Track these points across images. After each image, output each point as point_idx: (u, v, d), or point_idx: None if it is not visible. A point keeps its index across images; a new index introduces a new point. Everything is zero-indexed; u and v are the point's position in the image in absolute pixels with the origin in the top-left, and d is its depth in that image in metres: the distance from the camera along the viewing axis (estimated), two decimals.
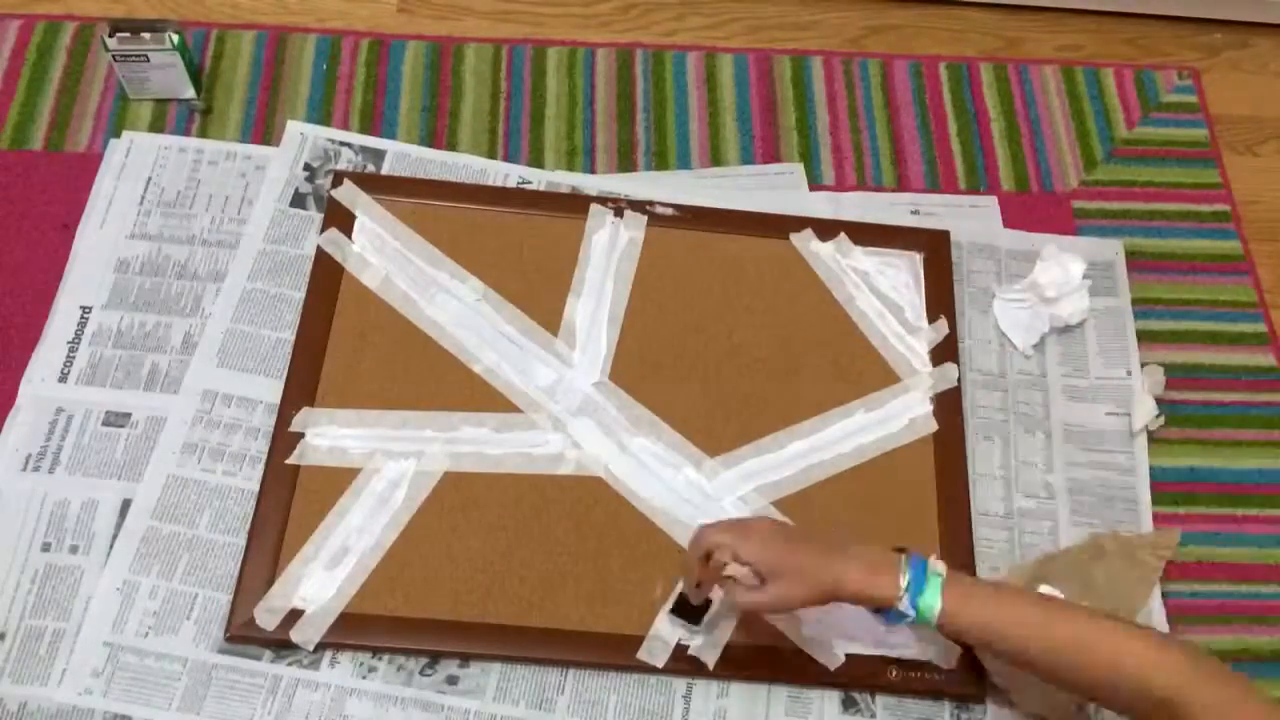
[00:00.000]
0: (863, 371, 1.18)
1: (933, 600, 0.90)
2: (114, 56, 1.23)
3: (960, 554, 1.09)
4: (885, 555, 0.92)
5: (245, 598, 1.01)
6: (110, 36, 1.22)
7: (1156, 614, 1.09)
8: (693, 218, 1.24)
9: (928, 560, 0.92)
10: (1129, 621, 0.94)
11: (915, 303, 1.22)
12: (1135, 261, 1.29)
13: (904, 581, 0.90)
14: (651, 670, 1.02)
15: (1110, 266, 1.28)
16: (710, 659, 1.02)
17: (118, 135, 1.25)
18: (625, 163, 1.31)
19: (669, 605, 1.03)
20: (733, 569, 0.92)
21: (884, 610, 0.91)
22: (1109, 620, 0.89)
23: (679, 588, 1.02)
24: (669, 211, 1.24)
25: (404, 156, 1.27)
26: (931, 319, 1.21)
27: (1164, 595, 1.11)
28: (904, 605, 0.90)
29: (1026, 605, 0.92)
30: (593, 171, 1.30)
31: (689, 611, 1.02)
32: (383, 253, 1.19)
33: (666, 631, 1.02)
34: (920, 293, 1.23)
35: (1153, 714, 0.84)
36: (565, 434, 1.11)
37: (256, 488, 1.06)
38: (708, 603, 1.02)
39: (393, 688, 1.00)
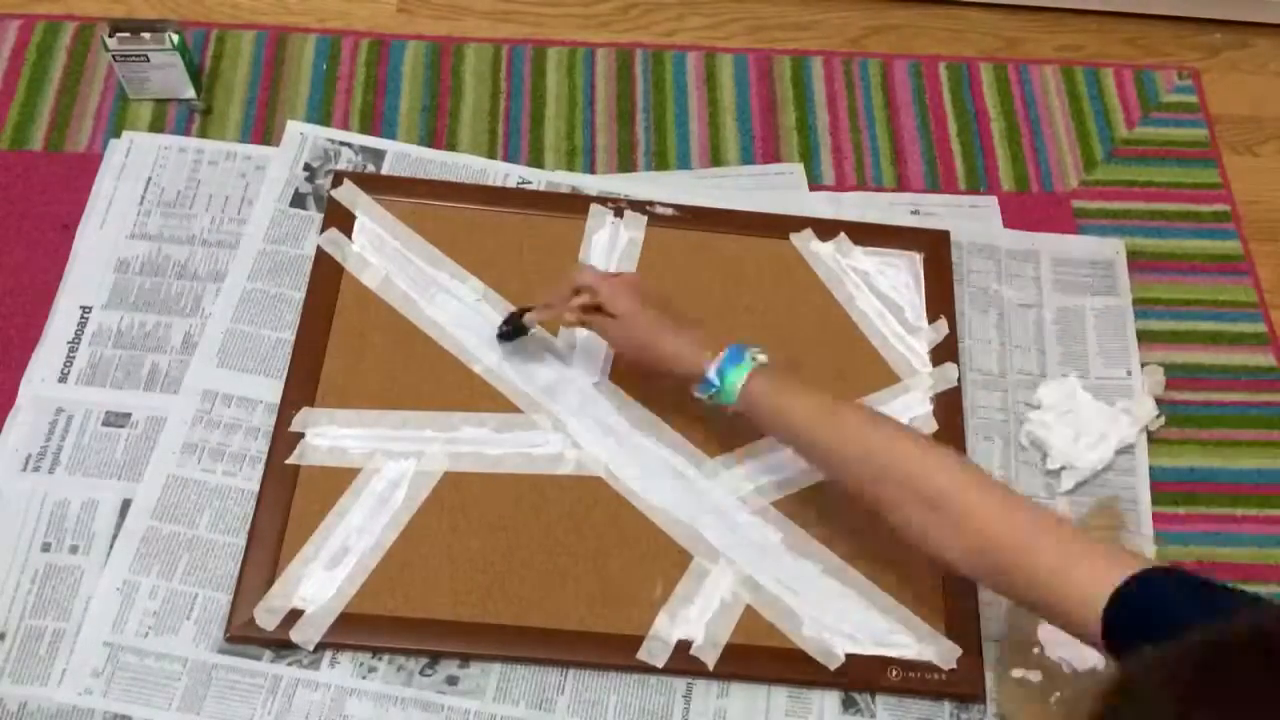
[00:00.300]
0: (863, 371, 1.18)
1: (737, 376, 0.97)
2: (114, 56, 1.23)
3: None
4: (716, 341, 0.99)
5: (245, 598, 1.01)
6: (110, 36, 1.22)
7: None
8: (693, 218, 1.24)
9: (751, 349, 0.99)
10: (909, 427, 1.01)
11: (915, 303, 1.22)
12: (1135, 261, 1.29)
13: (719, 360, 0.97)
14: (651, 670, 1.02)
15: (1110, 266, 1.28)
16: (710, 659, 1.02)
17: (118, 135, 1.25)
18: (625, 163, 1.31)
19: (500, 323, 1.12)
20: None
21: (698, 380, 0.99)
22: (890, 420, 0.95)
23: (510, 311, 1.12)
24: (669, 211, 1.24)
25: (404, 156, 1.27)
26: (931, 319, 1.21)
27: None
28: (711, 373, 0.97)
29: (820, 398, 0.96)
30: (593, 171, 1.30)
31: (515, 329, 1.11)
32: (383, 253, 1.19)
33: (666, 631, 1.03)
34: (920, 293, 1.23)
35: (919, 511, 0.88)
36: (565, 434, 1.11)
37: (256, 488, 1.06)
38: (524, 329, 1.11)
39: (393, 688, 1.00)
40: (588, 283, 1.04)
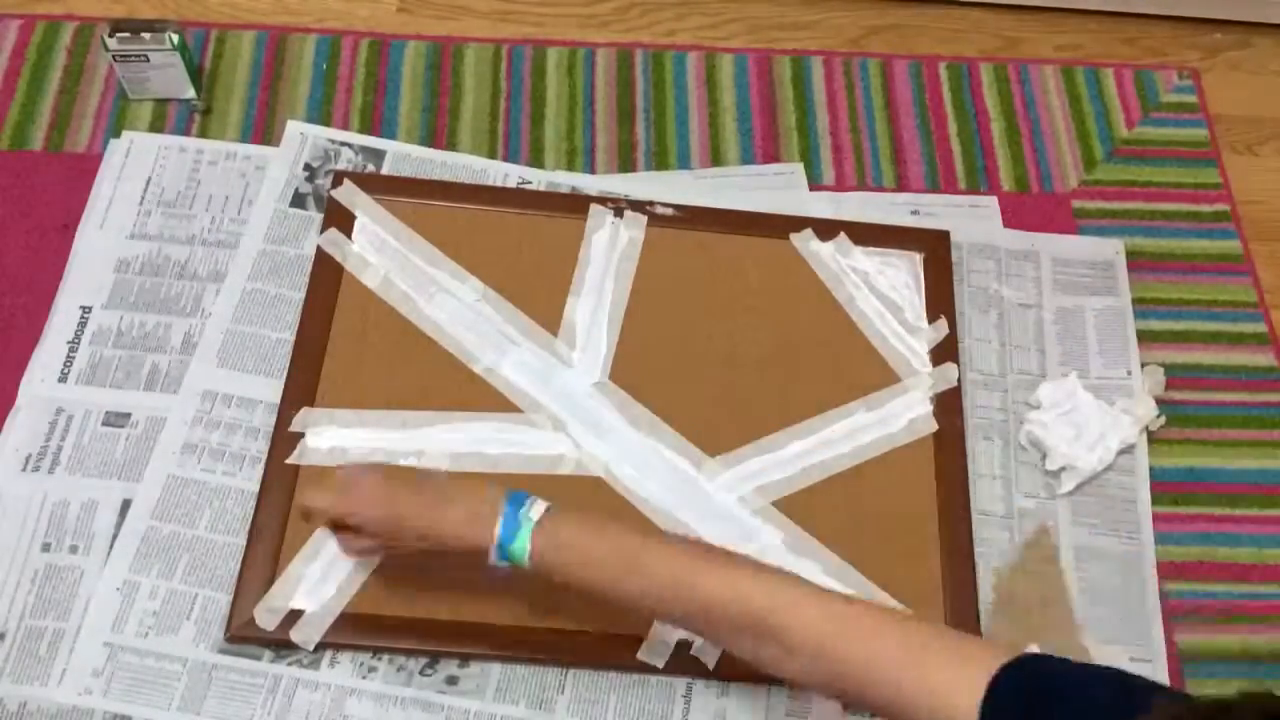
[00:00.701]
0: (863, 371, 1.18)
1: (522, 546, 0.86)
2: (114, 57, 1.23)
3: (960, 554, 1.09)
4: (487, 503, 0.87)
5: (245, 598, 1.01)
6: (110, 37, 1.22)
7: (1153, 614, 1.10)
8: (693, 218, 1.24)
9: (525, 503, 0.87)
10: (708, 548, 0.88)
11: (915, 303, 1.22)
12: (1135, 261, 1.29)
13: (498, 529, 0.86)
14: (651, 670, 1.02)
15: (1110, 266, 1.28)
16: (710, 659, 1.02)
17: (118, 135, 1.25)
18: (625, 163, 1.31)
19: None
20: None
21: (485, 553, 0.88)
22: (686, 549, 0.86)
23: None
24: (669, 211, 1.24)
25: (404, 156, 1.27)
26: (931, 319, 1.21)
27: (1163, 595, 1.11)
28: (494, 557, 0.87)
29: (620, 540, 0.87)
30: (593, 171, 1.30)
31: None
32: (383, 253, 1.19)
33: (667, 631, 1.03)
34: (920, 293, 1.23)
35: (747, 640, 0.82)
36: (565, 434, 1.11)
37: (256, 488, 1.06)
38: None
39: (393, 688, 1.00)
40: (318, 509, 0.93)
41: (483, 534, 0.87)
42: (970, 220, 1.30)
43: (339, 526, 0.93)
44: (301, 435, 1.08)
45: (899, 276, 1.23)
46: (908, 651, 0.76)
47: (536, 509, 0.87)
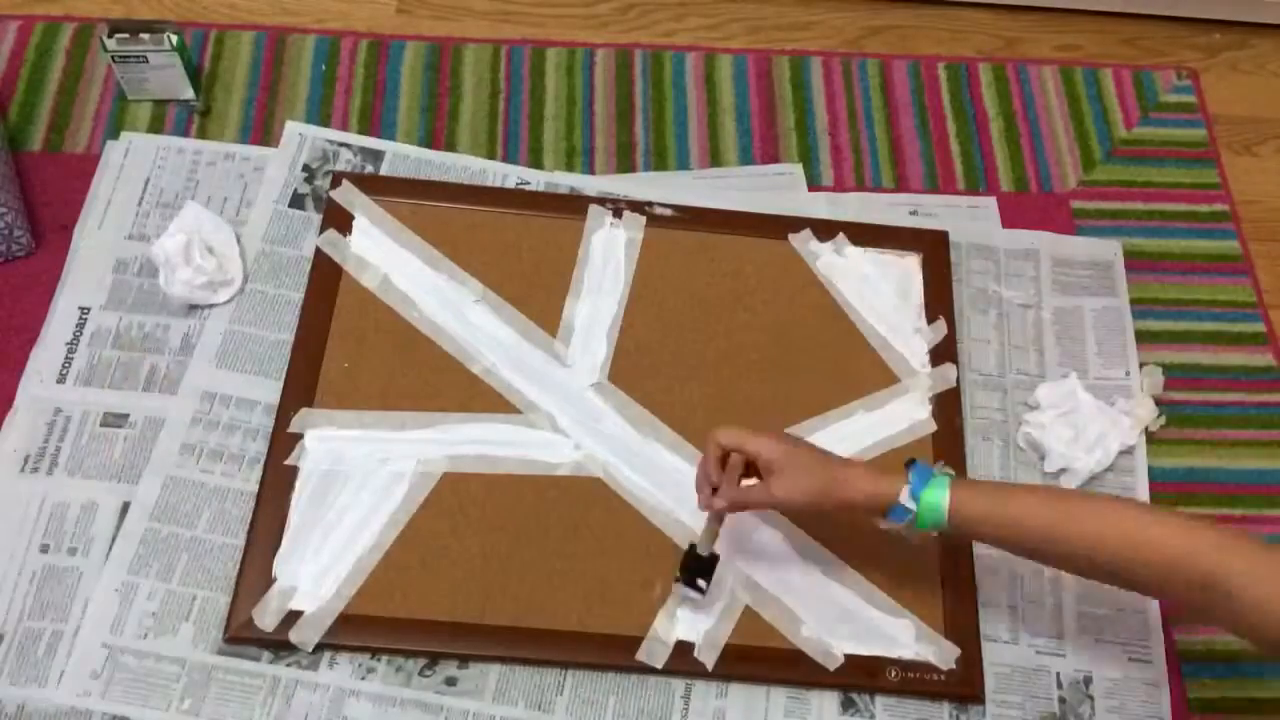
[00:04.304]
0: (862, 372, 1.18)
1: (938, 494, 0.90)
2: (113, 57, 1.23)
3: (959, 554, 1.09)
4: (890, 465, 0.93)
5: (244, 599, 1.01)
6: (109, 37, 1.22)
7: (1153, 613, 1.10)
8: (692, 218, 1.24)
9: (934, 465, 0.94)
10: (1146, 504, 0.94)
11: (914, 303, 1.22)
12: (1134, 262, 1.29)
13: (908, 478, 0.92)
14: (651, 671, 1.02)
15: (1109, 267, 1.28)
16: (710, 659, 1.02)
17: (116, 136, 1.25)
18: (624, 163, 1.31)
19: (676, 571, 1.01)
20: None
21: (889, 509, 0.92)
22: (1128, 505, 0.90)
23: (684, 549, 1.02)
24: (668, 212, 1.24)
25: (403, 157, 1.27)
26: (930, 319, 1.21)
27: None
28: (905, 498, 0.91)
29: (1038, 496, 0.93)
30: (592, 172, 1.30)
31: (698, 567, 1.00)
32: (381, 253, 1.18)
33: (665, 632, 1.02)
34: (919, 293, 1.23)
35: (1188, 593, 0.83)
36: (564, 435, 1.11)
37: (255, 489, 1.06)
38: (715, 557, 1.00)
39: (391, 689, 1.00)
40: (729, 442, 0.96)
41: (891, 483, 0.92)
42: (969, 220, 1.30)
43: (749, 469, 0.97)
44: (300, 436, 1.08)
45: (898, 277, 1.23)
46: None
47: (946, 468, 0.94)
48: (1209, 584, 0.81)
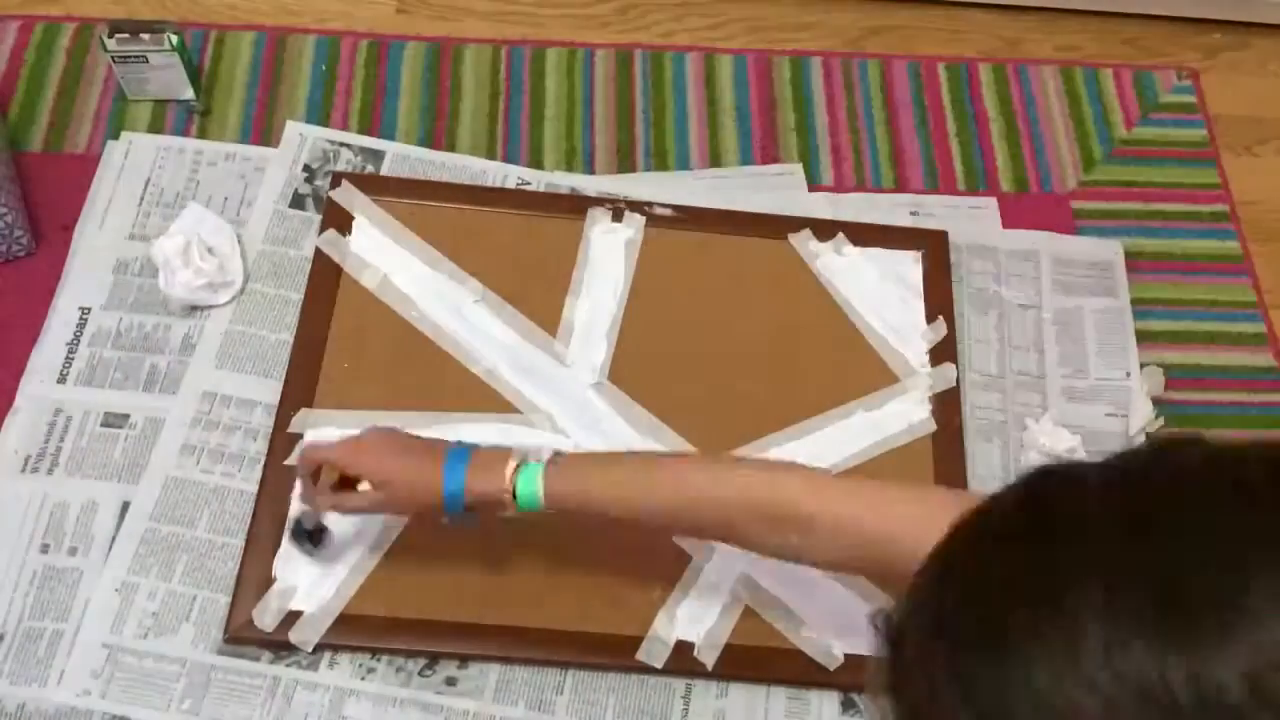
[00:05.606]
0: (861, 372, 1.18)
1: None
2: (113, 57, 1.23)
3: None
4: (497, 454, 0.89)
5: (244, 599, 1.01)
6: (109, 37, 1.22)
7: None
8: (692, 218, 1.24)
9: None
10: (728, 455, 0.97)
11: (914, 303, 1.22)
12: (1134, 262, 1.29)
13: (509, 473, 0.87)
14: (650, 671, 1.02)
15: (1109, 267, 1.28)
16: (710, 659, 1.02)
17: (117, 136, 1.25)
18: (624, 163, 1.31)
19: (287, 530, 1.00)
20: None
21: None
22: (713, 461, 0.92)
23: (293, 511, 1.01)
24: (668, 212, 1.24)
25: (403, 157, 1.27)
26: (930, 319, 1.21)
27: None
28: (506, 499, 0.87)
29: (627, 465, 0.91)
30: (592, 172, 1.30)
31: (306, 535, 0.99)
32: (381, 254, 1.18)
33: (665, 631, 1.02)
34: (919, 293, 1.23)
35: (774, 532, 0.83)
36: (564, 434, 1.11)
37: (255, 489, 1.06)
38: (323, 527, 0.99)
39: (391, 689, 1.00)
40: (323, 458, 0.92)
41: (495, 480, 0.87)
42: (969, 221, 1.30)
43: (342, 482, 0.92)
44: (300, 436, 1.08)
45: (897, 277, 1.23)
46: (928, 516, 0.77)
47: (547, 453, 0.89)
48: (787, 514, 0.82)
